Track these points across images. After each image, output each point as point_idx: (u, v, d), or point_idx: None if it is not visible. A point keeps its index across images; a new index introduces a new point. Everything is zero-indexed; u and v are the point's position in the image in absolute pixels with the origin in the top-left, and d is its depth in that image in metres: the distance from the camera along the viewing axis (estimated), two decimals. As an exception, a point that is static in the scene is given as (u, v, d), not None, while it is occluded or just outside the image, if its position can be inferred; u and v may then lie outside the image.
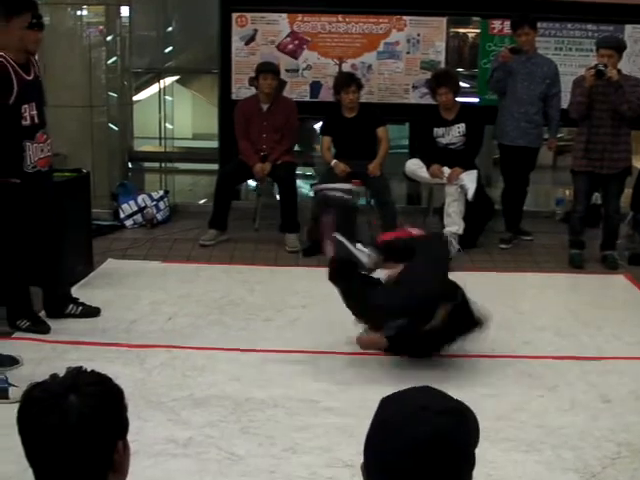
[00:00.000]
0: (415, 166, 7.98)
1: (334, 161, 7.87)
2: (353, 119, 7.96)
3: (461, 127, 7.89)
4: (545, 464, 4.11)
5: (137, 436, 4.02)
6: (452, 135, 7.92)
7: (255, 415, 4.49)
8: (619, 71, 7.19)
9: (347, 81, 7.95)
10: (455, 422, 1.78)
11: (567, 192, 9.15)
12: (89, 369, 1.88)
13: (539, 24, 8.04)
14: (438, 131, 7.94)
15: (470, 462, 1.78)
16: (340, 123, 7.96)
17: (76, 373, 1.86)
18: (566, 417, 4.60)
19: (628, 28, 8.65)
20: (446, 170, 7.75)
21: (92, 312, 5.85)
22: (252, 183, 8.81)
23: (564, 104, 7.87)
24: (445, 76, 8.01)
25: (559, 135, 8.95)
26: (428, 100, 8.40)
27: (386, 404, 1.83)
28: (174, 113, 10.50)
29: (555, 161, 11.53)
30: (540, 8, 8.39)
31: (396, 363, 5.12)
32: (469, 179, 7.66)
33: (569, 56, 8.66)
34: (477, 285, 6.48)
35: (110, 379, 1.89)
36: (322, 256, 7.43)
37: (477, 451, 1.79)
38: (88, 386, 1.82)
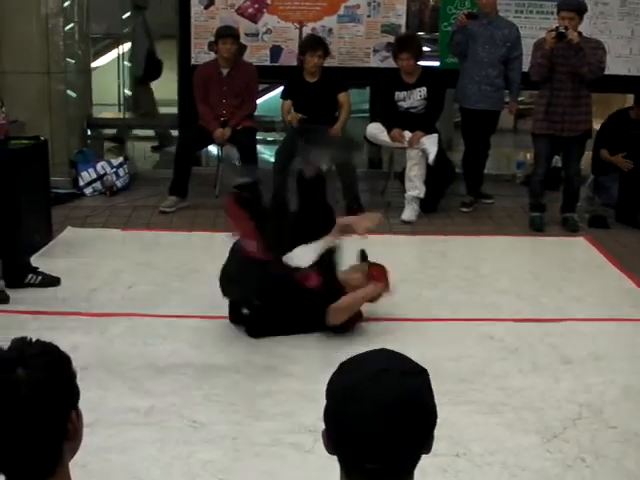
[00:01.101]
0: (376, 130, 7.95)
1: (292, 114, 7.80)
2: (315, 84, 7.90)
3: (422, 91, 7.87)
4: (506, 426, 4.13)
5: (98, 406, 4.04)
6: (413, 99, 7.89)
7: (217, 382, 4.47)
8: (580, 34, 7.19)
9: (314, 44, 7.87)
10: (418, 381, 1.78)
11: (528, 155, 9.17)
12: (34, 339, 1.84)
13: (499, -14, 8.03)
14: (399, 95, 7.91)
15: (433, 421, 1.78)
16: (302, 87, 7.90)
17: (21, 345, 1.81)
18: (527, 379, 4.62)
19: (589, -11, 8.64)
20: (407, 134, 7.74)
21: (52, 281, 5.78)
22: (213, 149, 8.74)
23: (525, 67, 7.87)
24: (408, 41, 7.97)
25: (520, 98, 8.97)
26: (389, 64, 8.36)
27: (345, 369, 1.81)
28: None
29: (516, 124, 11.57)
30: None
31: (357, 328, 5.11)
32: (430, 143, 7.65)
33: (530, 19, 8.65)
34: (439, 249, 6.52)
35: (56, 347, 1.84)
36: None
37: (440, 414, 1.78)
38: (35, 358, 1.78)
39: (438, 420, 1.77)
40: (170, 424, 4.05)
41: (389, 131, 7.82)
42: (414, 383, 1.77)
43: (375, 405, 1.71)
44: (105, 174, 8.26)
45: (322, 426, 1.80)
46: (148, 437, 3.94)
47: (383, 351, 1.86)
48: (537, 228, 7.47)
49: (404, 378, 1.76)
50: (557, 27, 7.06)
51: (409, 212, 7.60)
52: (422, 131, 7.70)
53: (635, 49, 8.78)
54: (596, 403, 4.36)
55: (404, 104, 7.91)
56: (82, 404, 1.85)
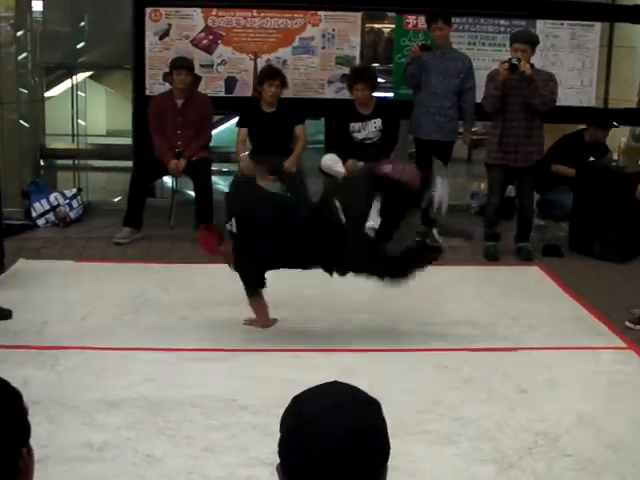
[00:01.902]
0: (331, 161, 7.97)
1: (242, 154, 7.82)
2: (272, 114, 7.93)
3: (377, 122, 7.92)
4: (463, 456, 4.13)
5: (50, 441, 3.98)
6: (368, 130, 7.94)
7: (171, 415, 4.42)
8: (532, 65, 7.29)
9: (272, 74, 7.91)
10: (371, 413, 1.77)
11: (482, 185, 9.24)
12: None
13: (453, 19, 8.11)
14: (354, 126, 7.95)
15: (387, 452, 1.77)
16: (258, 117, 7.91)
17: None
18: (483, 408, 4.63)
19: (540, 23, 8.78)
20: (362, 165, 7.76)
21: (3, 314, 5.69)
22: (167, 180, 8.70)
23: (478, 98, 7.95)
24: (363, 72, 8.04)
25: (474, 129, 9.04)
26: (344, 95, 8.42)
27: (298, 403, 1.80)
28: (87, 109, 10.35)
29: (470, 155, 11.67)
30: (453, 3, 8.48)
31: (311, 359, 5.10)
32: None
33: (482, 51, 8.76)
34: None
35: (6, 383, 1.81)
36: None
37: (395, 445, 1.78)
38: None
39: (394, 451, 1.76)
40: (124, 459, 4.00)
41: (344, 162, 7.85)
42: (367, 415, 1.76)
43: (329, 438, 1.70)
44: (58, 205, 8.19)
45: (277, 460, 1.78)
46: (102, 473, 3.88)
47: (336, 384, 1.86)
48: (492, 257, 7.51)
49: (357, 410, 1.75)
50: (510, 59, 7.15)
51: None
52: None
53: (586, 81, 8.92)
54: (552, 431, 4.38)
55: (359, 135, 7.95)
56: (33, 440, 1.81)
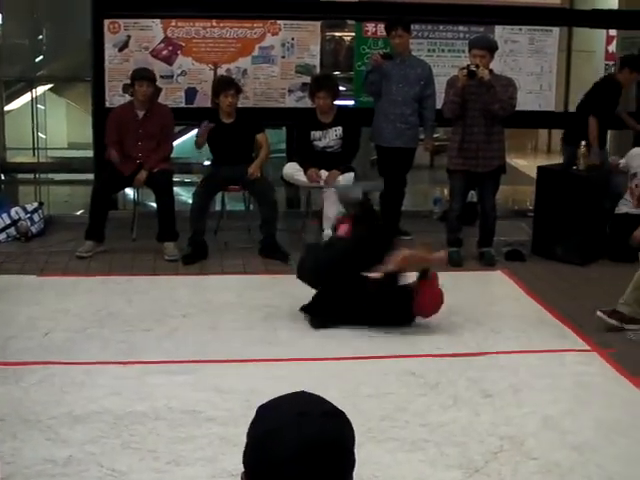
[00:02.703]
0: (293, 170, 7.98)
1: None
2: (231, 124, 7.91)
3: (338, 130, 7.94)
4: (429, 462, 4.14)
5: (14, 458, 3.96)
6: (329, 138, 7.95)
7: (136, 429, 4.40)
8: (491, 71, 7.33)
9: (226, 85, 7.91)
10: (336, 423, 1.77)
11: (445, 191, 9.29)
12: None
13: (412, 26, 8.14)
14: (315, 134, 7.96)
15: (352, 462, 1.78)
16: (218, 128, 7.90)
17: None
18: (449, 414, 4.64)
19: (498, 29, 8.85)
20: (323, 173, 7.79)
21: (-35, 330, 5.66)
22: (129, 192, 8.66)
23: (438, 105, 7.99)
24: (325, 80, 8.06)
25: (435, 135, 9.08)
26: (304, 104, 8.43)
27: (263, 413, 1.80)
28: (48, 122, 10.28)
29: (432, 161, 11.72)
30: (412, 10, 8.51)
31: (278, 369, 5.09)
32: (346, 181, 7.70)
33: (442, 57, 8.81)
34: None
35: None
36: (203, 263, 7.44)
37: (362, 453, 1.78)
38: None
39: (360, 459, 1.76)
40: (89, 474, 3.96)
41: (305, 171, 7.85)
42: (332, 425, 1.76)
43: (294, 447, 1.70)
44: (19, 219, 8.12)
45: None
46: (66, 488, 3.85)
47: (302, 394, 1.86)
48: (455, 263, 7.53)
49: (322, 420, 1.75)
50: (468, 65, 7.19)
51: None
52: (338, 170, 7.76)
53: (545, 85, 9.00)
54: (517, 435, 4.40)
55: (320, 143, 7.97)
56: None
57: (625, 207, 7.91)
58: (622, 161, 8.09)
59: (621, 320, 5.96)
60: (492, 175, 7.50)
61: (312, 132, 7.97)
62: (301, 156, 8.01)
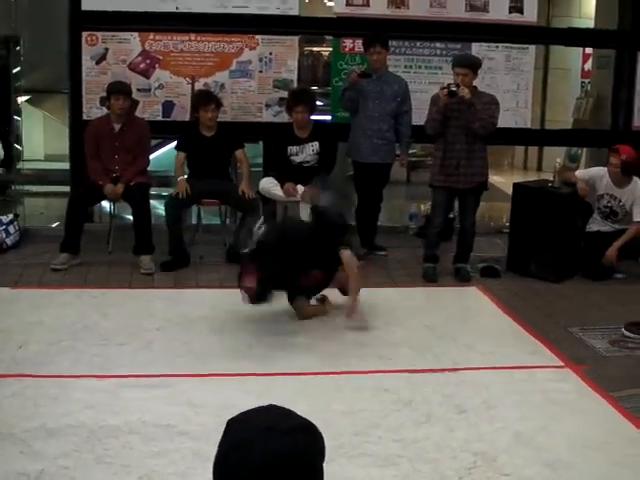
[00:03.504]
0: (269, 184, 7.99)
1: (180, 178, 7.81)
2: (211, 138, 7.92)
3: (315, 145, 7.96)
4: (403, 478, 4.14)
5: (-15, 471, 3.92)
6: (306, 153, 7.98)
7: (110, 443, 4.38)
8: (475, 88, 7.37)
9: (206, 99, 7.92)
10: (303, 438, 1.78)
11: (422, 207, 9.32)
12: None
13: (389, 42, 8.18)
14: (292, 149, 7.98)
15: (319, 478, 1.78)
16: (198, 141, 7.90)
17: None
18: (422, 430, 4.65)
19: (475, 46, 8.91)
20: (300, 188, 7.80)
21: (-62, 343, 5.62)
22: (106, 205, 8.64)
23: (415, 121, 8.03)
24: (302, 94, 8.08)
25: (412, 151, 9.11)
26: (282, 118, 8.45)
27: (233, 426, 1.82)
28: (24, 134, 10.26)
29: (409, 176, 11.76)
30: (389, 27, 8.55)
31: (251, 384, 5.08)
32: (324, 199, 7.70)
33: (419, 74, 8.86)
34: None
35: None
36: (178, 273, 7.42)
37: (335, 468, 1.79)
38: None
39: (332, 474, 1.77)
40: (61, 488, 3.95)
41: (282, 185, 7.87)
42: (299, 440, 1.77)
43: (261, 461, 1.71)
44: (-6, 231, 8.09)
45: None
46: (38, 502, 3.83)
47: (271, 407, 1.87)
48: (430, 279, 7.56)
49: (289, 435, 1.76)
50: (449, 84, 7.23)
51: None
52: (315, 185, 7.78)
53: (521, 102, 9.05)
54: (489, 451, 4.42)
55: (297, 158, 7.99)
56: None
57: (595, 225, 7.98)
58: (579, 174, 8.16)
59: None
60: (473, 191, 7.54)
61: (289, 147, 7.99)
62: (278, 171, 8.02)
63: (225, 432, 1.81)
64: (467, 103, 7.21)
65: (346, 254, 6.16)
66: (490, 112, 7.34)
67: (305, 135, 7.99)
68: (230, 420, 1.83)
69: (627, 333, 6.15)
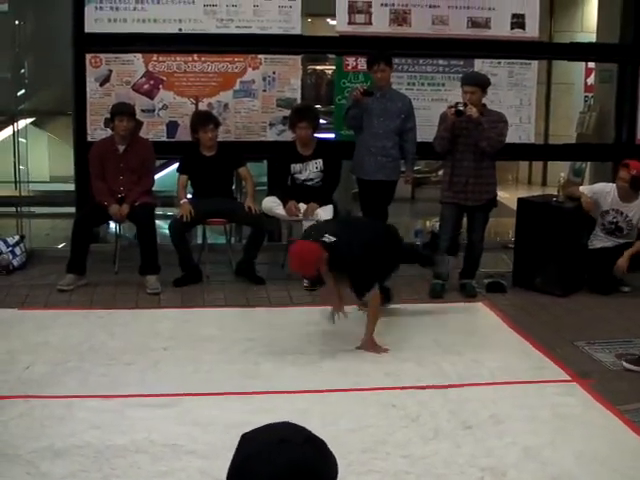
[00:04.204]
0: (272, 203, 7.99)
1: (183, 201, 7.84)
2: (212, 158, 7.96)
3: (318, 163, 7.98)
4: (410, 494, 4.14)
5: (-8, 492, 3.92)
6: (310, 171, 7.99)
7: (117, 462, 4.38)
8: (484, 106, 7.39)
9: (204, 120, 7.95)
10: (315, 452, 1.81)
11: (427, 223, 9.32)
12: None
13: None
14: (295, 167, 8.00)
15: None
16: (199, 162, 7.94)
17: None
18: (430, 446, 4.64)
19: (478, 62, 8.93)
20: (302, 206, 7.81)
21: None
22: (111, 225, 8.66)
23: (419, 138, 8.05)
24: (306, 111, 8.12)
25: (417, 168, 9.11)
26: (285, 137, 8.48)
27: (247, 440, 1.84)
28: (29, 156, 10.28)
29: (414, 193, 11.77)
30: (392, 44, 8.58)
31: (258, 402, 5.08)
32: (325, 214, 7.73)
33: (422, 90, 8.88)
34: (340, 318, 6.54)
35: None
36: (185, 293, 7.43)
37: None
38: None
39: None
40: (69, 508, 3.95)
41: (284, 204, 7.88)
42: (311, 453, 1.79)
43: (272, 472, 1.73)
44: (1, 253, 8.10)
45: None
46: (46, 523, 3.83)
47: (284, 423, 1.90)
48: (437, 295, 7.56)
49: (302, 447, 1.78)
50: (457, 103, 7.24)
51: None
52: (317, 202, 7.79)
53: (524, 117, 9.07)
54: (498, 466, 4.41)
55: (300, 176, 8.01)
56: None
57: (598, 242, 7.96)
58: (583, 189, 8.16)
59: None
60: (482, 208, 7.54)
61: (292, 165, 8.01)
62: (280, 189, 8.04)
63: (239, 446, 1.83)
64: (475, 122, 7.23)
65: (375, 291, 6.15)
66: (498, 130, 7.35)
67: (308, 153, 8.01)
68: (244, 434, 1.86)
69: (628, 366, 6.04)
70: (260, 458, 1.75)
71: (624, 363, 5.96)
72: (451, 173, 7.49)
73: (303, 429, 1.86)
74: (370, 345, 6.12)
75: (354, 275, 6.03)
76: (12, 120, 9.66)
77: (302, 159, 8.01)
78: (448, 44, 8.84)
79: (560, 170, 9.98)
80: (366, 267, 6.02)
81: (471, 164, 7.40)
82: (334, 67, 9.36)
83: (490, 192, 7.54)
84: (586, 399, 5.36)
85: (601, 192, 7.97)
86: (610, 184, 8.07)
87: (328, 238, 5.89)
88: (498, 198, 7.74)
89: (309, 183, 7.99)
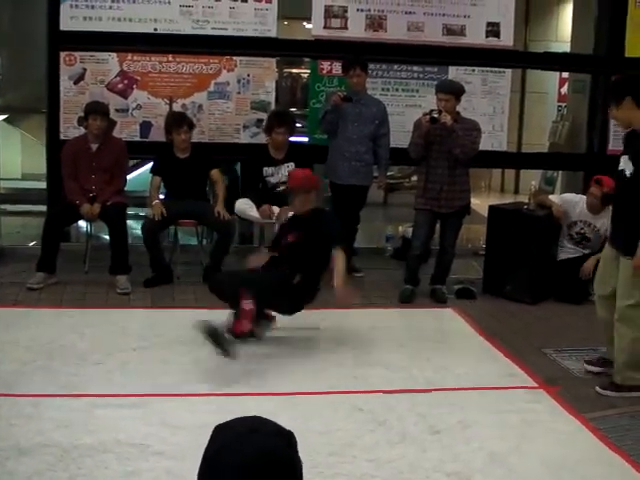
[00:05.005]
0: (245, 205, 8.00)
1: (155, 201, 7.83)
2: (186, 160, 7.96)
3: (291, 166, 7.99)
4: (376, 498, 4.15)
5: (-43, 491, 3.90)
6: (282, 174, 8.01)
7: (84, 462, 4.36)
8: (458, 114, 7.44)
9: (178, 121, 7.95)
10: (284, 442, 1.83)
11: (399, 229, 9.35)
12: None
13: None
14: (267, 170, 8.02)
15: (300, 477, 1.81)
16: (172, 163, 7.93)
17: None
18: (396, 450, 4.66)
19: (452, 69, 8.97)
20: (276, 209, 7.82)
21: None
22: (82, 224, 8.63)
23: (392, 143, 8.09)
24: (284, 116, 8.18)
25: (390, 173, 9.14)
26: (259, 140, 8.48)
27: (218, 432, 1.87)
28: (1, 153, 10.24)
29: (386, 198, 11.80)
30: (367, 49, 8.61)
31: (226, 404, 5.08)
32: None
33: (396, 96, 8.92)
34: (310, 322, 6.55)
35: None
36: (155, 293, 7.41)
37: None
38: None
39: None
40: (34, 507, 3.93)
41: (258, 207, 7.88)
42: (282, 444, 1.82)
43: (243, 461, 1.75)
44: (-30, 250, 8.07)
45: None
46: (10, 522, 3.82)
47: (256, 416, 1.93)
48: (406, 300, 7.59)
49: (273, 438, 1.82)
50: (431, 110, 7.30)
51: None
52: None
53: (497, 125, 9.13)
54: (464, 471, 4.43)
55: (272, 179, 8.03)
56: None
57: (564, 254, 8.01)
58: (553, 198, 8.23)
59: (619, 389, 5.73)
60: (455, 215, 7.59)
61: (264, 168, 8.02)
62: (253, 192, 8.05)
63: (211, 437, 1.86)
64: (449, 129, 7.27)
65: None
66: (472, 138, 7.41)
67: (281, 156, 8.03)
68: (216, 426, 1.88)
69: (588, 367, 6.11)
70: (230, 449, 1.77)
71: (585, 365, 6.07)
72: (425, 180, 7.53)
73: (274, 423, 1.88)
74: (345, 292, 6.04)
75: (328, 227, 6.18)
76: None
77: (274, 162, 8.03)
78: (423, 51, 8.88)
79: (532, 178, 10.07)
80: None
81: (445, 171, 7.44)
82: (309, 71, 9.37)
83: (464, 199, 7.59)
84: (553, 406, 5.40)
85: (570, 202, 8.02)
86: (579, 195, 8.14)
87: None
88: (471, 205, 7.77)
89: (280, 188, 7.99)
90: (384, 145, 8.17)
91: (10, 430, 4.70)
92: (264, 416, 1.91)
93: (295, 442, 1.86)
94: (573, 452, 4.73)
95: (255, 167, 8.11)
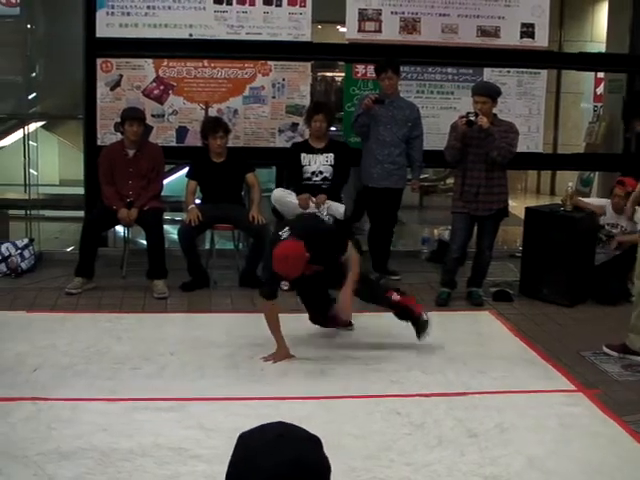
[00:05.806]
0: (283, 192, 8.02)
1: (191, 206, 7.87)
2: (221, 164, 7.99)
3: (329, 157, 8.02)
4: (414, 502, 4.14)
5: (-1, 494, 3.94)
6: (320, 163, 8.01)
7: (123, 465, 4.40)
8: (494, 116, 7.40)
9: (214, 126, 7.98)
10: (312, 447, 1.83)
11: (435, 231, 9.33)
12: None
13: (401, 68, 8.23)
14: (305, 158, 8.02)
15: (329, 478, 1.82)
16: (208, 168, 7.97)
17: None
18: (434, 453, 4.65)
19: (487, 71, 8.95)
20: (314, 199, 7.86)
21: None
22: (120, 229, 8.70)
23: (426, 146, 8.07)
24: (323, 105, 8.24)
25: (424, 176, 9.12)
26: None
27: (244, 438, 1.86)
28: (39, 159, 10.32)
29: (421, 201, 11.78)
30: (401, 52, 8.61)
31: (263, 408, 5.09)
32: (336, 205, 7.78)
33: (430, 99, 8.90)
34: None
35: None
36: (192, 298, 7.44)
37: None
38: None
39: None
40: (74, 511, 3.97)
41: (298, 194, 7.91)
42: (309, 449, 1.82)
43: (272, 467, 1.75)
44: (10, 255, 8.15)
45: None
46: (51, 525, 3.85)
47: (281, 422, 1.93)
48: (442, 303, 7.56)
49: (300, 443, 1.82)
50: (468, 113, 7.25)
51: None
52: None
53: (533, 127, 9.09)
54: (502, 475, 4.40)
55: (310, 168, 8.03)
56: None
57: (599, 256, 7.99)
58: (592, 201, 8.26)
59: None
60: (492, 217, 7.54)
61: (302, 154, 8.04)
62: (292, 182, 8.12)
63: (237, 445, 1.85)
64: (486, 132, 7.24)
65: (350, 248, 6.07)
66: (509, 140, 7.36)
67: (320, 146, 8.05)
68: (241, 434, 1.88)
69: (606, 350, 6.30)
70: (263, 453, 1.77)
71: (604, 347, 6.32)
72: (462, 183, 7.50)
73: (299, 427, 1.89)
74: (347, 304, 5.98)
75: (327, 242, 5.98)
76: (23, 123, 9.71)
77: (313, 151, 8.05)
78: (457, 53, 8.86)
79: (569, 179, 10.00)
80: (330, 232, 6.33)
81: (482, 174, 7.41)
82: (343, 74, 9.38)
83: (501, 201, 7.54)
84: (591, 409, 5.36)
85: (598, 207, 8.07)
86: (604, 199, 8.18)
87: (284, 233, 5.85)
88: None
89: (317, 178, 8.01)
90: (417, 147, 8.16)
91: (50, 434, 4.75)
92: (300, 420, 1.92)
93: (322, 447, 1.86)
94: (612, 456, 4.69)
95: (294, 156, 8.14)
